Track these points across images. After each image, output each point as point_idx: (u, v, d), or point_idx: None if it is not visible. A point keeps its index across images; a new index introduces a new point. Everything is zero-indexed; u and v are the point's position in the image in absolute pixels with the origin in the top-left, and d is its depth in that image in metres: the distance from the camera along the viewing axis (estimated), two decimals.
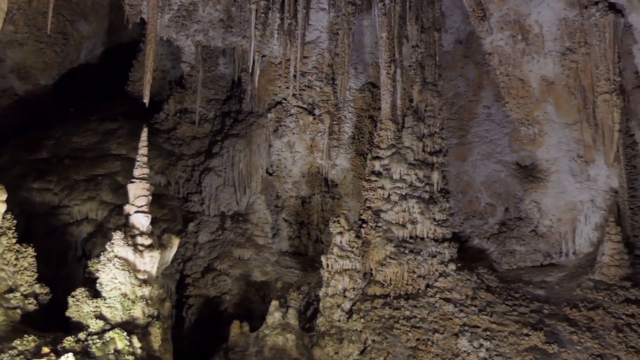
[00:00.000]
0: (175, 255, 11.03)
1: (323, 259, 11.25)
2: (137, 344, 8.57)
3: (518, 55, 13.79)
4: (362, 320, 10.73)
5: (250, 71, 13.09)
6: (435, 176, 12.15)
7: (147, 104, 10.85)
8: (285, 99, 14.61)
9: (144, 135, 9.82)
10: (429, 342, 10.55)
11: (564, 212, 13.68)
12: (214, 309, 12.84)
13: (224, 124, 15.02)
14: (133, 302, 9.02)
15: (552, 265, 13.47)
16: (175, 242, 10.42)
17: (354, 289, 11.08)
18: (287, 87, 14.43)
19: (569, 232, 13.61)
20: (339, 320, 10.79)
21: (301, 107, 14.57)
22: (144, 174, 9.82)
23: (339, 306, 10.91)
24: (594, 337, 10.69)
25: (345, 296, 11.01)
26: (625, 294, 11.43)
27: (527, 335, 10.73)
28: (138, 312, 9.05)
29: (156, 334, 9.11)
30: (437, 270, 11.57)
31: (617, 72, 12.53)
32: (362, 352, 10.47)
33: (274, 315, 10.51)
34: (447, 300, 11.23)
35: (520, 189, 14.07)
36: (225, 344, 10.58)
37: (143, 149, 9.84)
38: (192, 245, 13.74)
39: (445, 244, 11.79)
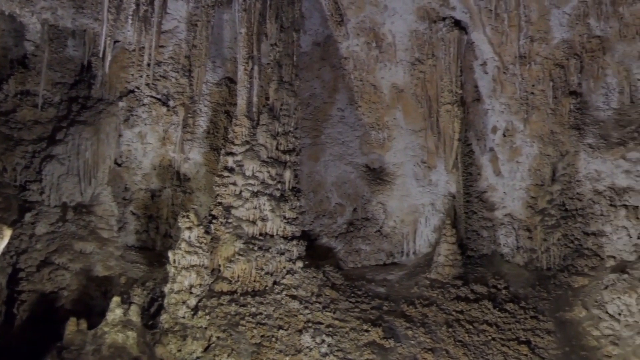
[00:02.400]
0: (7, 247, 10.28)
1: (170, 254, 10.97)
2: None
3: (372, 62, 14.40)
4: (208, 317, 10.61)
5: (101, 56, 12.40)
6: (288, 175, 12.31)
7: None
8: (138, 88, 14.03)
9: None
10: (273, 339, 10.66)
11: (406, 214, 14.50)
12: (49, 305, 12.03)
13: (71, 110, 14.12)
14: None
15: (394, 264, 14.22)
16: (7, 233, 9.73)
17: (200, 285, 10.91)
18: (141, 76, 13.87)
19: (411, 233, 14.46)
20: (184, 317, 10.58)
21: (155, 98, 14.08)
22: None
23: (184, 303, 10.70)
24: (427, 332, 11.41)
25: (191, 292, 10.82)
26: (457, 291, 12.33)
27: (366, 331, 11.20)
28: None
29: None
30: (284, 268, 11.73)
31: (459, 85, 13.54)
32: (206, 349, 10.34)
33: (115, 312, 10.08)
34: (293, 297, 11.42)
35: (368, 191, 14.69)
36: (59, 343, 9.98)
37: None
38: (28, 237, 12.75)
39: (294, 242, 11.99)
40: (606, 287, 11.64)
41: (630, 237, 12.02)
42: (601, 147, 12.65)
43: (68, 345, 9.81)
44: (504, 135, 13.91)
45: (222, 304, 10.86)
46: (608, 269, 11.95)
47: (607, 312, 11.41)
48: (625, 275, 11.55)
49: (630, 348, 10.80)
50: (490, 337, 11.42)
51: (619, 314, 11.28)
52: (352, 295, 12.14)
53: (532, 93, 13.45)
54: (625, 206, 12.21)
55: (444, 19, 13.51)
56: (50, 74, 14.27)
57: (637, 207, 12.10)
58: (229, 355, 10.27)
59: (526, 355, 11.14)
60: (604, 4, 12.51)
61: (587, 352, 11.10)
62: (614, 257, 12.07)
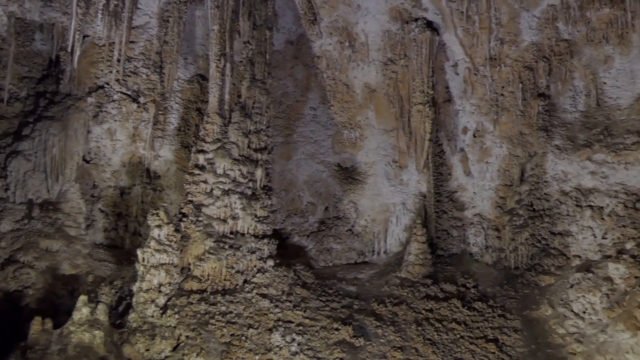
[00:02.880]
0: None
1: (139, 252, 10.84)
2: None
3: (344, 61, 14.43)
4: (177, 316, 10.51)
5: (70, 51, 12.18)
6: (259, 173, 12.27)
7: None
8: (107, 84, 13.83)
9: None
10: (243, 338, 10.62)
11: (378, 213, 14.57)
12: (13, 304, 11.80)
13: (38, 105, 13.87)
14: None
15: (365, 263, 14.28)
16: None
17: (170, 284, 10.81)
18: (111, 72, 13.67)
19: (382, 232, 14.54)
20: (152, 316, 10.47)
21: (125, 94, 13.90)
22: None
23: (153, 301, 10.59)
24: (397, 330, 11.49)
25: (160, 291, 10.71)
26: (426, 290, 12.43)
27: (337, 329, 11.23)
28: None
29: None
30: (255, 266, 11.70)
31: (431, 86, 13.65)
32: (174, 349, 10.25)
33: (82, 311, 9.92)
34: (264, 295, 11.39)
35: (340, 190, 14.72)
36: (24, 342, 9.78)
37: None
38: None
39: (265, 241, 11.96)
40: (572, 286, 11.86)
41: (595, 237, 12.27)
42: (568, 149, 12.88)
43: (33, 344, 9.62)
44: (474, 136, 14.07)
45: (191, 303, 10.78)
46: (574, 268, 12.18)
47: (572, 311, 11.62)
48: (590, 275, 11.77)
49: (594, 345, 11.01)
50: (458, 335, 11.54)
51: (584, 312, 11.49)
52: (323, 294, 12.15)
53: (502, 94, 13.63)
54: (590, 207, 12.45)
55: (416, 19, 13.61)
56: (16, 68, 13.98)
57: (602, 207, 12.35)
58: (198, 355, 10.19)
59: (494, 353, 11.27)
60: (572, 9, 12.74)
61: (552, 350, 11.28)
62: (579, 256, 12.31)
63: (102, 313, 10.00)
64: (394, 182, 14.57)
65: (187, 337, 10.37)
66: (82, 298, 10.02)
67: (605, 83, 12.85)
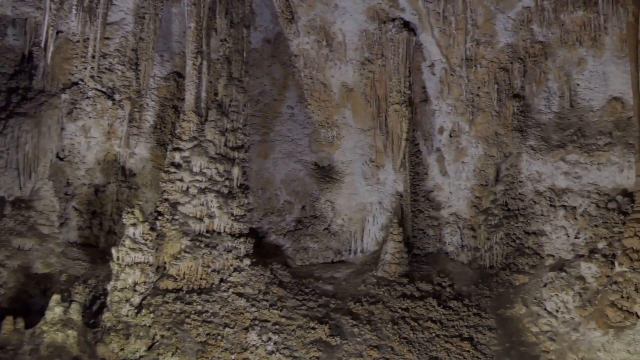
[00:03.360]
0: None
1: (113, 251, 10.74)
2: None
3: (322, 60, 14.44)
4: (152, 315, 10.43)
5: (43, 46, 11.99)
6: (236, 171, 12.22)
7: None
8: (82, 80, 13.63)
9: None
10: (219, 337, 10.58)
11: (355, 212, 14.61)
12: None
13: (10, 101, 13.64)
14: None
15: (342, 262, 14.31)
16: None
17: (145, 282, 10.71)
18: (85, 68, 13.49)
19: (359, 231, 14.58)
20: (127, 315, 10.38)
21: (100, 91, 13.71)
22: None
23: (127, 300, 10.49)
24: (373, 329, 11.53)
25: (135, 290, 10.61)
26: (402, 289, 12.51)
27: (313, 328, 11.24)
28: None
29: None
30: (232, 265, 11.65)
31: (407, 86, 13.71)
32: (149, 348, 10.18)
33: (55, 311, 9.79)
34: (240, 294, 11.36)
35: (317, 189, 14.73)
36: None
37: None
38: None
39: (242, 239, 11.92)
40: (545, 285, 12.02)
41: (568, 237, 12.45)
42: (542, 149, 13.05)
43: (4, 344, 9.49)
44: (450, 136, 14.17)
45: (167, 302, 10.70)
46: (547, 267, 12.35)
47: (545, 309, 11.78)
48: (563, 274, 11.95)
49: (566, 344, 11.17)
50: (434, 334, 11.63)
51: (557, 311, 11.66)
52: (300, 293, 12.16)
53: (478, 95, 13.75)
54: (564, 206, 12.63)
55: (393, 19, 13.65)
56: None
57: (575, 207, 12.53)
58: (173, 354, 10.12)
59: (468, 351, 11.38)
60: (546, 11, 12.89)
61: (526, 348, 11.43)
62: (552, 255, 12.49)
63: (75, 312, 9.88)
64: (371, 181, 14.62)
65: (162, 336, 10.29)
66: (55, 297, 9.89)
67: (578, 85, 13.03)
